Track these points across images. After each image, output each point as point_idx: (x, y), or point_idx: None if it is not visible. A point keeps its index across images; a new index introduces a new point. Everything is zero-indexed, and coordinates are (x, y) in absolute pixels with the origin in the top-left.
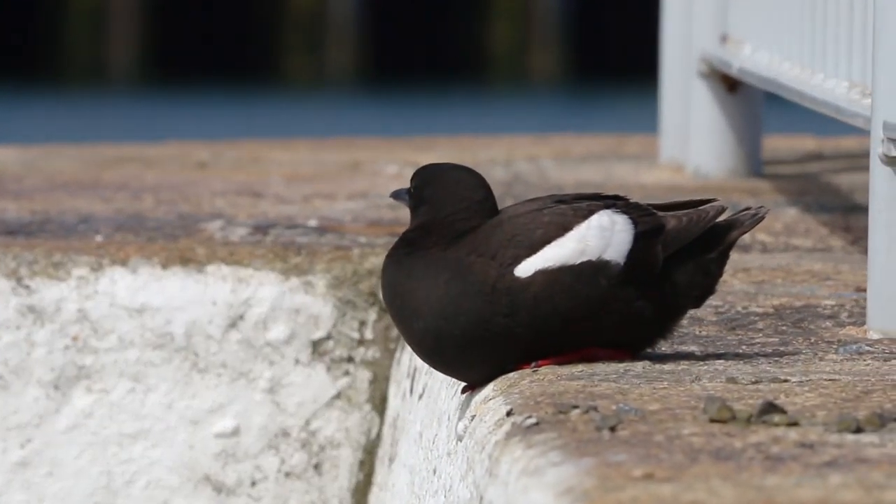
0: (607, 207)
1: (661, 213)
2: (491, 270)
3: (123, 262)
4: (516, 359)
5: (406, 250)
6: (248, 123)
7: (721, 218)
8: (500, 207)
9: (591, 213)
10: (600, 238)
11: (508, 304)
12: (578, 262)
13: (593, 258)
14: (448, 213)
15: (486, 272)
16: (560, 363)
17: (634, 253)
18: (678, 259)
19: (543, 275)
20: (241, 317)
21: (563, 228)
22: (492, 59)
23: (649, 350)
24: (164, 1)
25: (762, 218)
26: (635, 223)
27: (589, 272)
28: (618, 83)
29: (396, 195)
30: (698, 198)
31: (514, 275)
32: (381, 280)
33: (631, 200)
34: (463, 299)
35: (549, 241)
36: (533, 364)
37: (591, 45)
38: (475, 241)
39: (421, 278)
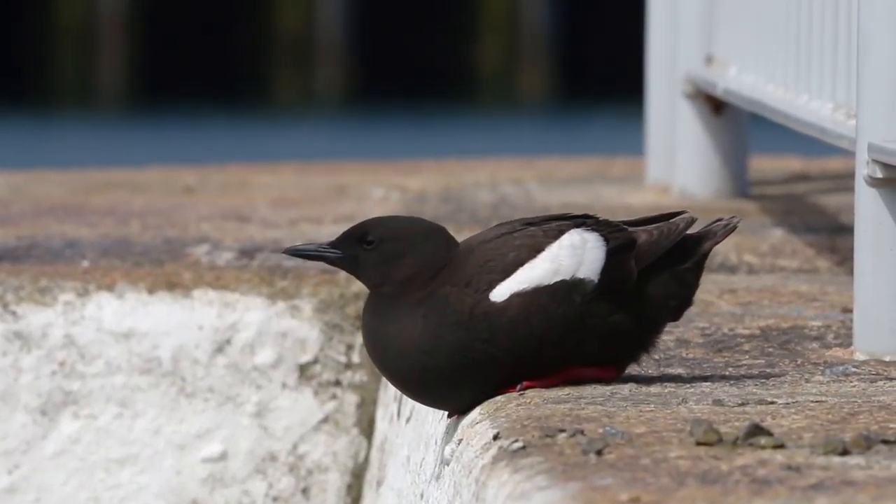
0: (577, 226)
1: (631, 229)
2: (466, 298)
3: (110, 288)
4: (499, 383)
5: (385, 301)
6: (236, 145)
7: (693, 230)
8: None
9: (561, 232)
10: (572, 257)
11: (486, 329)
12: (552, 282)
13: (567, 277)
14: (421, 265)
15: (461, 301)
16: (546, 385)
17: (608, 269)
18: (653, 272)
19: (519, 297)
20: (228, 341)
21: (534, 250)
22: (480, 79)
23: (633, 365)
24: (151, 24)
25: (734, 228)
26: (606, 240)
27: (563, 291)
28: (606, 104)
29: (317, 253)
30: (669, 211)
31: (489, 300)
32: (363, 331)
33: (601, 218)
34: (442, 330)
35: (521, 264)
36: (518, 387)
37: (579, 65)
38: (448, 273)
39: (400, 318)
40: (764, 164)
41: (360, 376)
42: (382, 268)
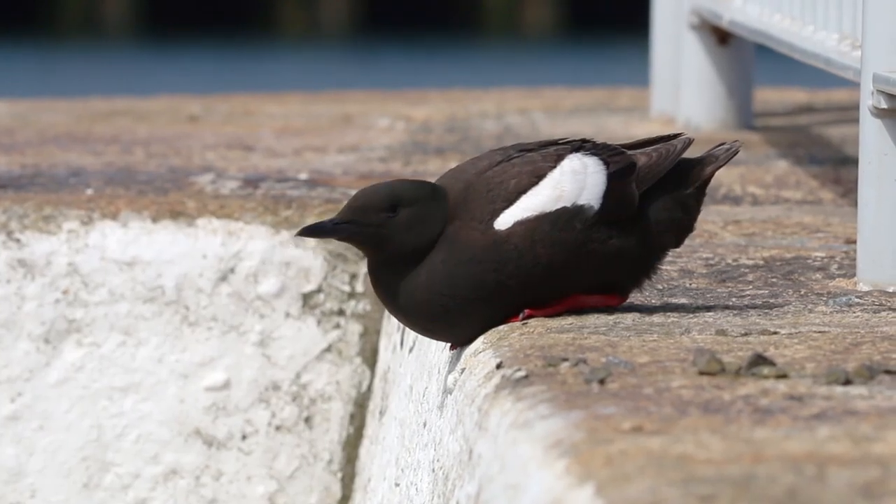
0: (575, 151)
1: (630, 152)
2: (474, 232)
3: (114, 216)
4: (508, 313)
5: (398, 260)
6: (241, 76)
7: (696, 154)
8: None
9: (560, 157)
10: (574, 182)
11: (496, 258)
12: (555, 208)
13: (569, 204)
14: (442, 223)
15: (470, 236)
16: (548, 314)
17: (609, 193)
18: (654, 196)
19: (521, 225)
20: (232, 270)
21: (535, 176)
22: (486, 12)
23: (636, 291)
24: None
25: (736, 151)
26: (606, 163)
27: (566, 218)
28: (612, 36)
29: (334, 230)
30: (665, 134)
31: (494, 229)
32: (381, 291)
33: (598, 142)
34: (459, 269)
35: (523, 191)
36: (521, 315)
37: None
38: (454, 211)
39: (420, 270)
40: (769, 96)
41: (363, 305)
42: (412, 233)
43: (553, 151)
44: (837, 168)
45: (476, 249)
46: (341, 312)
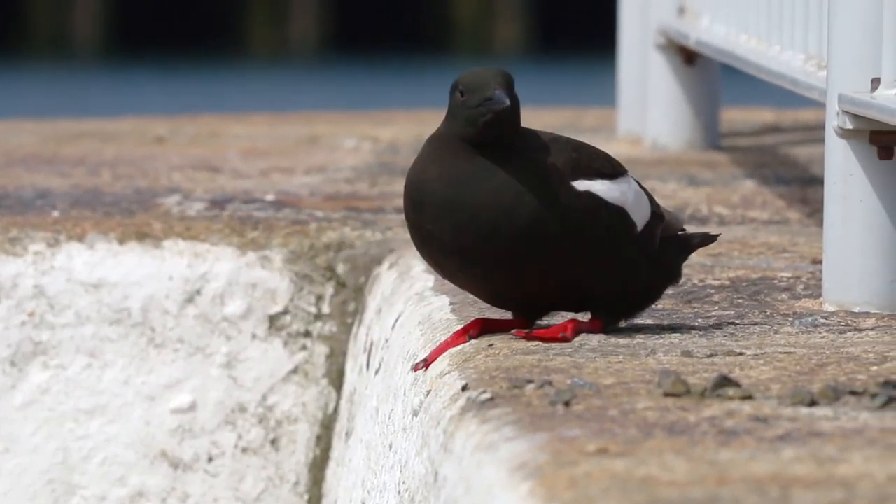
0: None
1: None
2: (553, 173)
3: (80, 238)
4: (546, 273)
5: (472, 150)
6: (211, 96)
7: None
8: None
9: (626, 172)
10: (636, 199)
11: (565, 209)
12: (616, 205)
13: (627, 209)
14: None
15: (548, 174)
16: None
17: (647, 228)
18: (660, 253)
19: (592, 197)
20: (198, 292)
21: (614, 171)
22: (456, 30)
23: (620, 323)
24: None
25: (713, 239)
26: (651, 203)
27: (621, 217)
28: (581, 54)
29: (506, 98)
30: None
31: (570, 184)
32: (453, 171)
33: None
34: (528, 197)
35: (602, 176)
36: (525, 332)
37: (554, 16)
38: (535, 143)
39: (494, 176)
40: (736, 116)
41: (329, 327)
42: (517, 116)
43: (623, 166)
44: (804, 188)
45: (553, 188)
46: (307, 334)
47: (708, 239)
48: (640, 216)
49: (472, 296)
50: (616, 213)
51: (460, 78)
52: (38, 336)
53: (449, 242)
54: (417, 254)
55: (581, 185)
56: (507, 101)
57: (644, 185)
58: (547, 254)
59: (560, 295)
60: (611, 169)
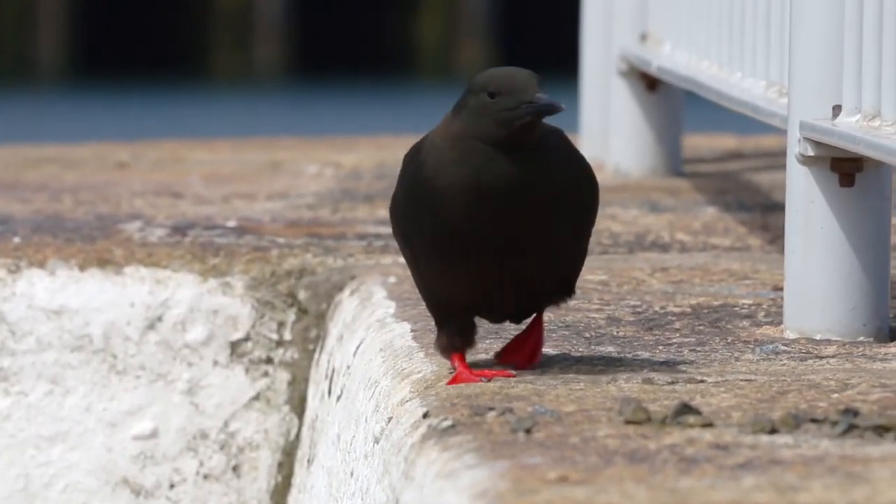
0: None
1: None
2: (573, 156)
3: (41, 264)
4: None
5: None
6: (174, 121)
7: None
8: None
9: None
10: None
11: (589, 182)
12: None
13: None
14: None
15: (570, 158)
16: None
17: None
18: None
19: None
20: (160, 318)
21: None
22: (420, 54)
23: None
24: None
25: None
26: None
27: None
28: (545, 79)
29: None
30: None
31: (587, 162)
32: (503, 168)
33: None
34: (590, 175)
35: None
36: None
37: (517, 41)
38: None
39: (532, 166)
40: (698, 142)
41: (291, 354)
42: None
43: None
44: (766, 214)
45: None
46: (269, 360)
47: None
48: None
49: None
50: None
51: (487, 78)
52: (0, 362)
53: (505, 236)
54: (379, 280)
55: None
56: (559, 104)
57: (607, 210)
58: (580, 223)
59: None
60: None
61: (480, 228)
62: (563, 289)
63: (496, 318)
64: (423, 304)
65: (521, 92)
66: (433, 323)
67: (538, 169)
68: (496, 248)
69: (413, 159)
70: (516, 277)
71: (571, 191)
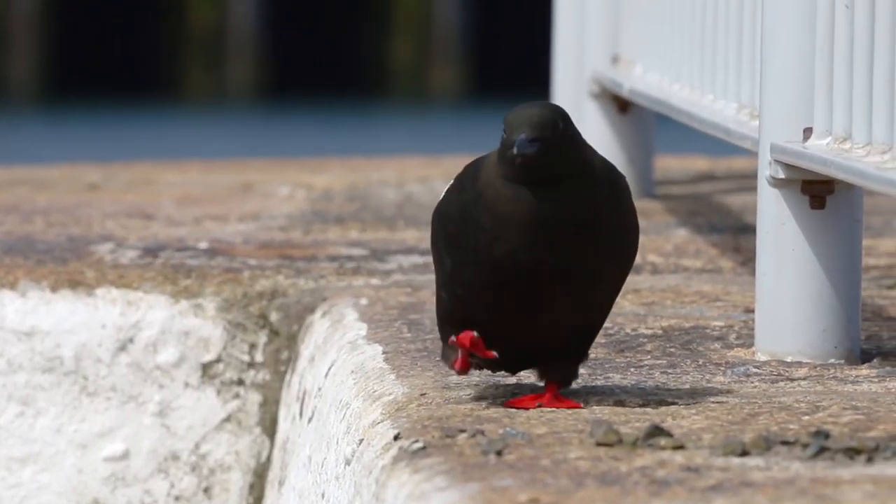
0: None
1: None
2: (620, 191)
3: (12, 286)
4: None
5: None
6: (146, 142)
7: None
8: (392, 230)
9: None
10: None
11: (632, 224)
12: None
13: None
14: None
15: (615, 193)
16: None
17: None
18: None
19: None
20: (131, 340)
21: None
22: (391, 76)
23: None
24: (62, 21)
25: None
26: None
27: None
28: (517, 100)
29: (530, 144)
30: None
31: (632, 203)
32: (524, 203)
33: None
34: (624, 205)
35: None
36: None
37: (490, 62)
38: (591, 155)
39: (581, 189)
40: (670, 163)
41: (262, 375)
42: (578, 150)
43: None
44: (737, 236)
45: (623, 201)
46: (241, 382)
47: None
48: None
49: (412, 345)
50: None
51: (508, 112)
52: None
53: (540, 262)
54: (350, 302)
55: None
56: (529, 148)
57: None
58: (616, 268)
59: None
60: None
61: (507, 257)
62: (577, 347)
63: (504, 354)
64: (395, 325)
65: (512, 131)
66: (409, 345)
67: (562, 201)
68: (520, 273)
69: (471, 179)
70: (539, 307)
71: (599, 230)
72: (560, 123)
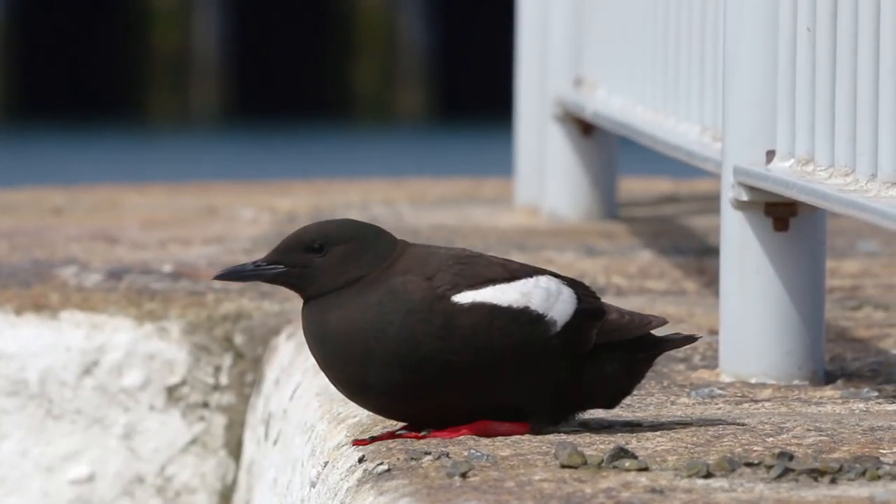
0: (555, 277)
1: (604, 302)
2: (427, 290)
3: None
4: (436, 395)
5: (330, 298)
6: (110, 165)
7: (658, 332)
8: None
9: (538, 273)
10: (544, 299)
11: (444, 326)
12: (519, 307)
13: (534, 311)
14: (377, 263)
15: (421, 290)
16: (452, 436)
17: (571, 326)
18: (608, 351)
19: (483, 308)
20: (96, 363)
21: (510, 276)
22: (356, 99)
23: (545, 428)
24: (25, 43)
25: (694, 340)
26: (579, 299)
27: (528, 320)
28: (481, 124)
29: (257, 273)
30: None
31: (451, 300)
32: (309, 329)
33: (577, 280)
34: (395, 316)
35: (492, 282)
36: (423, 432)
37: (455, 85)
38: (403, 265)
39: (349, 305)
40: (634, 186)
41: (228, 398)
42: (338, 270)
43: (532, 267)
44: (701, 258)
45: (422, 305)
46: (206, 405)
47: (678, 340)
48: (557, 315)
49: None
50: (513, 317)
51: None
52: None
53: (345, 378)
54: None
55: (465, 297)
56: (241, 273)
57: (543, 254)
58: (439, 375)
59: (476, 409)
60: (505, 274)
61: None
62: (534, 411)
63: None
64: None
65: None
66: None
67: (362, 302)
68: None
69: None
70: (420, 405)
71: (397, 334)
72: (318, 248)
